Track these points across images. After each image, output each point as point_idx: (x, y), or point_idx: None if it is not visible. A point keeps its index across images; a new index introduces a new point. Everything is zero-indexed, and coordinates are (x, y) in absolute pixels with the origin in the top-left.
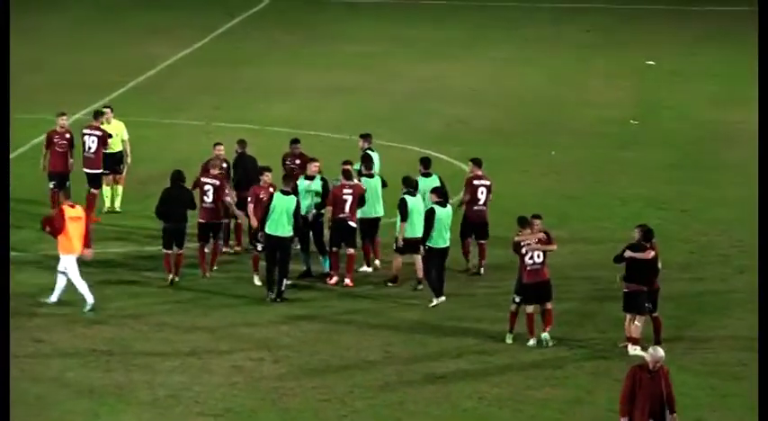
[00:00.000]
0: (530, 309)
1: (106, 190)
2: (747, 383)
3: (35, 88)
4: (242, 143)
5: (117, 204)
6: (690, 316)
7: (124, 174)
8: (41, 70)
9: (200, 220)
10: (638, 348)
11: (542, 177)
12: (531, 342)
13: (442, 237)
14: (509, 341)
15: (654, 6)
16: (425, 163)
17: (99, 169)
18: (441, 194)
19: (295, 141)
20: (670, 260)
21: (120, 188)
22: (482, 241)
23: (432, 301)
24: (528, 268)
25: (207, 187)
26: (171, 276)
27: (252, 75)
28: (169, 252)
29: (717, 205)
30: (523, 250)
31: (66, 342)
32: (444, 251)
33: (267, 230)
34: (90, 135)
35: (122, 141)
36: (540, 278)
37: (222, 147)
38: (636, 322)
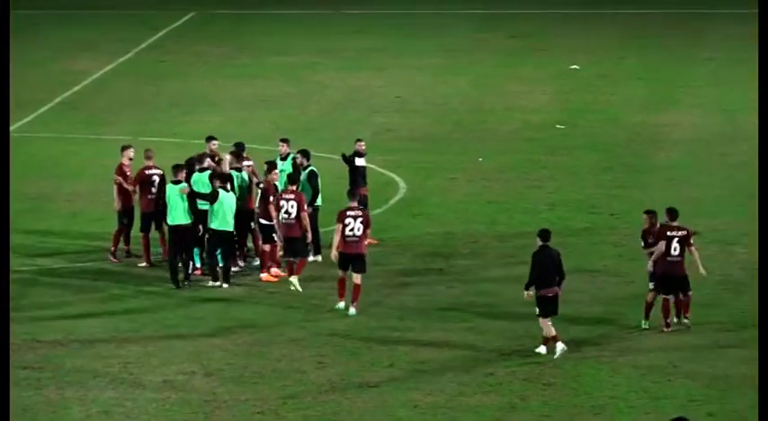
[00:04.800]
0: (341, 274)
1: None
2: (680, 385)
3: None
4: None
5: None
6: (620, 318)
7: None
8: None
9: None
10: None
11: (470, 183)
12: (340, 305)
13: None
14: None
15: (578, 11)
16: (286, 141)
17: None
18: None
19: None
20: (599, 263)
21: None
22: None
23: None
24: (346, 239)
25: (153, 178)
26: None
27: (177, 88)
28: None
29: (646, 208)
30: (346, 221)
31: None
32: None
33: (168, 222)
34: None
35: None
36: (357, 250)
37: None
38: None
